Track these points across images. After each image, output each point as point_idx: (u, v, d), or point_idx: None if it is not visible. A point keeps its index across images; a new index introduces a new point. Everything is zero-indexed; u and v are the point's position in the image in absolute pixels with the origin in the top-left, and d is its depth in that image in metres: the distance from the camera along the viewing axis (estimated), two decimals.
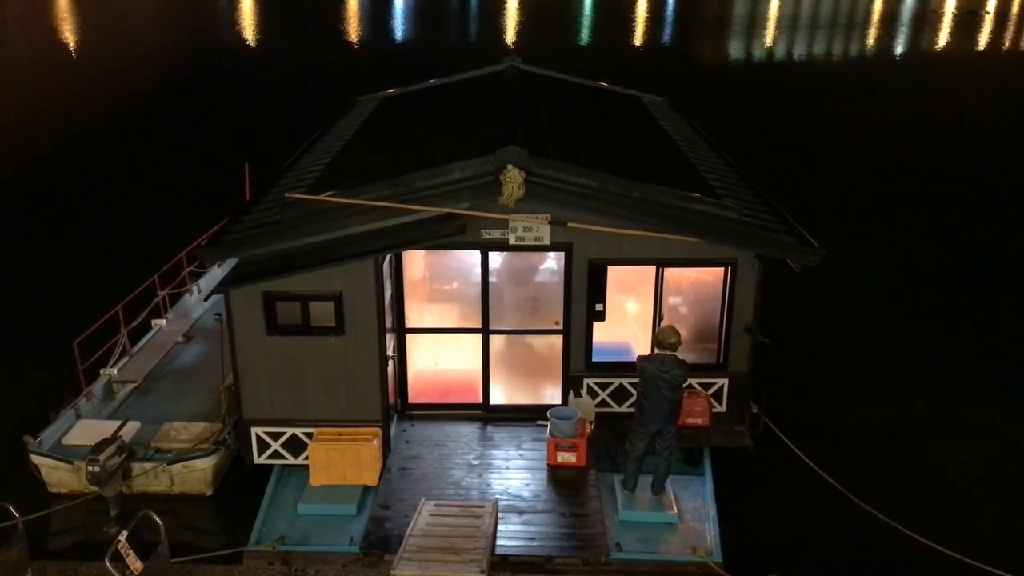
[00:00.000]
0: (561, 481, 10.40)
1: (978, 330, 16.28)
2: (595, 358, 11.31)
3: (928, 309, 17.17)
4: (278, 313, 10.00)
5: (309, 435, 10.42)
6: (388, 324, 10.81)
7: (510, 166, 9.92)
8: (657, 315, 11.14)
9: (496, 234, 10.55)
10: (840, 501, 10.31)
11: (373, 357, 10.24)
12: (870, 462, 11.90)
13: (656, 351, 9.78)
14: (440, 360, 12.22)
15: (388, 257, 10.65)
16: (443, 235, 10.01)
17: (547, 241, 10.62)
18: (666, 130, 15.60)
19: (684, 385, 9.72)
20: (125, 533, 7.33)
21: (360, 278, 9.96)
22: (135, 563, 7.30)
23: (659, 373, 9.48)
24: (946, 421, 12.94)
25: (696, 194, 10.97)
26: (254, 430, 10.50)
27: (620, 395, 11.34)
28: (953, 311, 17.07)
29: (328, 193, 10.40)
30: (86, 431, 10.99)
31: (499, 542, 9.35)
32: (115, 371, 12.50)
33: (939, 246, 20.56)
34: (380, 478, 10.36)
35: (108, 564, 7.22)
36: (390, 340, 11.02)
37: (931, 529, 9.84)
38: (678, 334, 9.65)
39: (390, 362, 10.73)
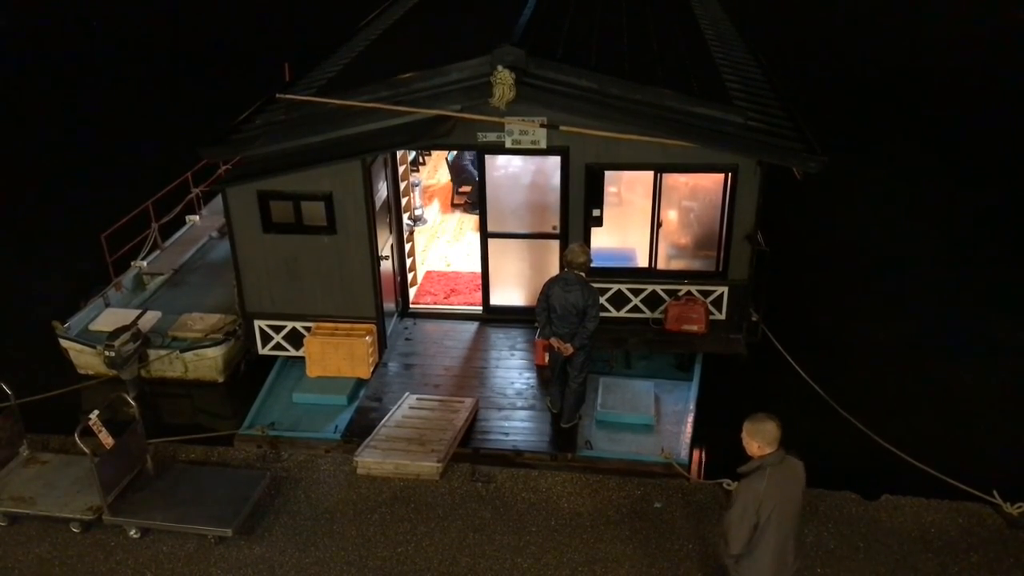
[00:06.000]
0: (547, 381, 10.62)
1: (1002, 241, 15.44)
2: (595, 264, 11.33)
3: (949, 218, 16.36)
4: (272, 211, 10.39)
5: (308, 329, 10.91)
6: (388, 224, 11.10)
7: (500, 67, 9.85)
8: (655, 221, 11.06)
9: (492, 137, 10.56)
10: (829, 415, 10.26)
11: (365, 256, 10.56)
12: (873, 378, 11.64)
13: (564, 271, 9.52)
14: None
15: (384, 158, 10.84)
16: (430, 137, 10.11)
17: (543, 145, 10.58)
18: (701, 29, 15.05)
19: (593, 314, 9.25)
20: (97, 412, 7.96)
21: (349, 178, 10.19)
22: (107, 439, 7.96)
23: (563, 294, 9.22)
24: (964, 338, 12.49)
25: (700, 97, 10.67)
26: (257, 323, 11.06)
27: (619, 300, 11.39)
28: (977, 221, 16.23)
29: (309, 94, 10.59)
30: (112, 319, 11.78)
31: (476, 436, 9.74)
32: (145, 263, 13.26)
33: (966, 153, 19.45)
34: (374, 372, 10.82)
35: (77, 439, 7.91)
36: (390, 240, 11.33)
37: (930, 454, 9.52)
38: (587, 253, 9.32)
39: (385, 262, 11.02)
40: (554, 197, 11.07)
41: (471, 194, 14.88)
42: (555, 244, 11.25)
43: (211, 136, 10.84)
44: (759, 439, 6.12)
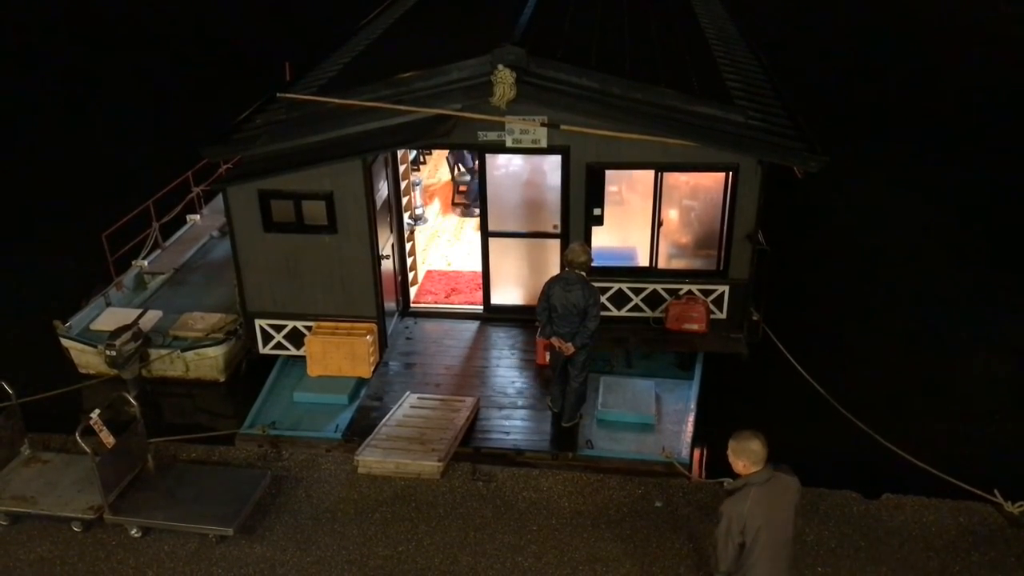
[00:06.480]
0: (548, 380, 10.62)
1: (1003, 241, 15.42)
2: (596, 263, 11.32)
3: (950, 217, 16.31)
4: (273, 211, 10.40)
5: (309, 328, 10.91)
6: (388, 223, 11.10)
7: (501, 66, 9.85)
8: (656, 220, 11.06)
9: (493, 136, 10.56)
10: (830, 414, 10.25)
11: (366, 256, 10.56)
12: (874, 378, 11.62)
13: (564, 271, 9.52)
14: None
15: (384, 157, 10.83)
16: (430, 137, 10.11)
17: (544, 144, 10.58)
18: (703, 28, 15.04)
19: (594, 313, 9.27)
20: (98, 411, 7.97)
21: (350, 178, 10.20)
22: (108, 438, 7.97)
23: (563, 293, 9.21)
24: (964, 338, 12.48)
25: (701, 97, 10.67)
26: (257, 322, 11.06)
27: (619, 299, 11.39)
28: (978, 221, 16.19)
29: (309, 93, 10.58)
30: (113, 318, 11.77)
31: (477, 435, 9.74)
32: (146, 263, 13.27)
33: (966, 153, 19.41)
34: (375, 372, 10.82)
35: (78, 438, 7.92)
36: (390, 239, 11.33)
37: (930, 453, 9.52)
38: (588, 253, 9.31)
39: (386, 261, 11.02)
40: (555, 196, 11.07)
41: (469, 193, 14.87)
42: (556, 243, 11.25)
43: (212, 135, 10.84)
44: (744, 458, 5.97)
